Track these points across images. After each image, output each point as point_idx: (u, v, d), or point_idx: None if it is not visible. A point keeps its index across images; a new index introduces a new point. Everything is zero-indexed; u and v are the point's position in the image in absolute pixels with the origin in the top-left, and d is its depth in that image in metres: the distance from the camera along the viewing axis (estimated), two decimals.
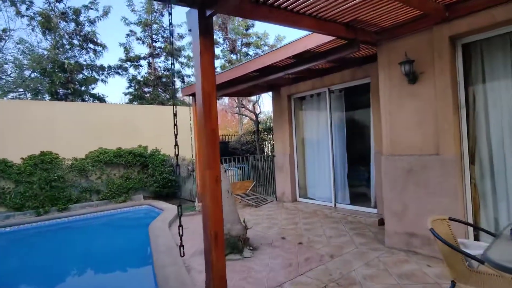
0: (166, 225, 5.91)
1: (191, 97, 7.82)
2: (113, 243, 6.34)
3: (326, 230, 5.26)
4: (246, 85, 5.96)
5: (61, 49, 13.66)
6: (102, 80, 15.40)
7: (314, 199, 7.21)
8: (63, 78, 11.96)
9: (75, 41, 13.74)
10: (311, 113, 7.36)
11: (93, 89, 16.06)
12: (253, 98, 12.18)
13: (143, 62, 17.02)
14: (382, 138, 4.28)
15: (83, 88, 14.78)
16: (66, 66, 12.37)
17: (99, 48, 14.02)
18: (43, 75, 12.17)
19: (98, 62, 15.20)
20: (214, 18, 16.21)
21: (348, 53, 4.16)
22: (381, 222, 5.39)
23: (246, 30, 17.61)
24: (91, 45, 13.59)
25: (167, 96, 16.11)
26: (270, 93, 8.45)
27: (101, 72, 15.26)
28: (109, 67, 15.17)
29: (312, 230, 5.32)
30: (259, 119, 12.14)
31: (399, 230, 4.10)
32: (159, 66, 17.09)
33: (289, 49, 4.43)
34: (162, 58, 17.00)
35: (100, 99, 15.06)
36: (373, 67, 5.51)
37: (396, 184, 4.10)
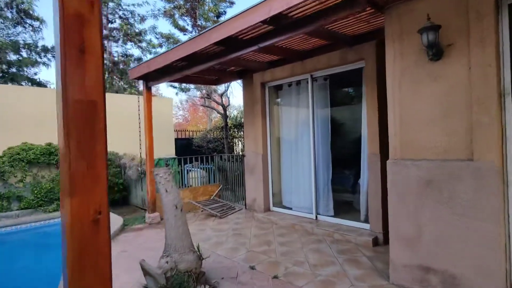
0: None
1: (141, 81, 6.40)
2: (17, 272, 4.80)
3: (309, 254, 4.15)
4: (208, 65, 4.70)
5: None
6: (44, 64, 13.34)
7: (290, 209, 6.11)
8: None
9: (8, 15, 11.62)
10: (289, 106, 6.24)
11: (35, 74, 13.94)
12: (222, 88, 10.90)
13: None
14: (390, 136, 3.23)
15: (19, 72, 12.65)
16: None
17: (36, 23, 11.99)
18: None
19: (40, 43, 13.12)
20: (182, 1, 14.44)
21: (346, 14, 3.05)
22: (376, 242, 4.39)
23: (217, 17, 16.20)
24: (28, 20, 11.54)
25: (124, 85, 14.37)
26: (241, 81, 7.25)
27: (43, 54, 13.19)
28: (52, 48, 13.11)
29: (290, 254, 4.19)
30: (229, 113, 10.87)
31: (409, 261, 3.06)
32: (116, 51, 15.25)
33: (263, 9, 3.23)
34: (120, 42, 15.16)
35: (41, 85, 13.00)
36: (369, 47, 4.47)
37: (407, 199, 3.06)
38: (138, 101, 5.88)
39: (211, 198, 7.58)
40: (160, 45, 15.40)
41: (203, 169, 8.29)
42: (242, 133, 11.54)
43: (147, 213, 6.32)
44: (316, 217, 5.55)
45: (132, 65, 15.44)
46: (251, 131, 6.92)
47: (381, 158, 4.39)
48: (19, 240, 6.26)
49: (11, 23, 11.53)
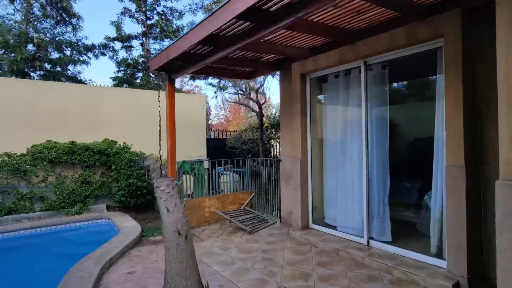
0: (99, 268, 3.86)
1: (162, 73, 5.76)
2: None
3: None
4: (234, 48, 3.83)
5: (35, 22, 11.89)
6: (84, 62, 13.58)
7: (334, 228, 5.06)
8: (27, 54, 10.15)
9: (52, 13, 11.90)
10: (336, 102, 5.19)
11: (79, 73, 14.31)
12: (258, 84, 10.03)
13: (136, 43, 15.15)
14: (502, 143, 2.08)
15: (63, 71, 12.99)
16: (34, 40, 10.56)
17: (74, 20, 12.14)
18: (6, 50, 10.40)
19: (83, 41, 13.38)
20: None
21: None
22: None
23: None
24: (66, 16, 11.70)
25: (161, 83, 14.18)
26: (279, 75, 6.32)
27: (83, 52, 13.43)
28: (92, 46, 13.30)
29: None
30: (266, 112, 9.97)
31: None
32: (154, 48, 15.17)
33: None
34: (158, 37, 15.06)
35: (80, 83, 13.24)
36: (450, 19, 3.30)
37: None
38: (159, 96, 5.23)
39: (242, 207, 6.75)
40: None
41: (236, 173, 7.51)
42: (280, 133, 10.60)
43: None
44: (368, 242, 4.43)
45: None
46: (288, 132, 5.97)
47: (468, 172, 3.18)
48: (37, 244, 5.95)
49: (52, 21, 11.79)
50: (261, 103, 8.03)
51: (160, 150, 5.25)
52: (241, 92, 8.69)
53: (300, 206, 5.39)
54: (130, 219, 6.56)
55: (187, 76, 19.00)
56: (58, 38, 13.11)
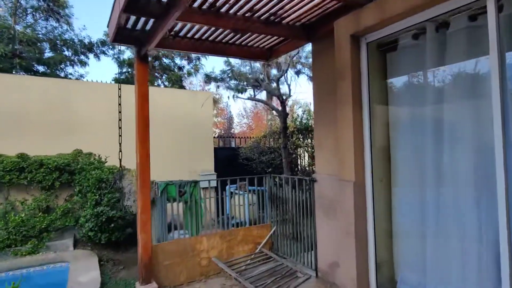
0: None
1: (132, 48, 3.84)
2: None
3: None
4: None
5: (24, 16, 10.58)
6: (82, 62, 12.14)
7: None
8: (4, 49, 8.69)
9: (34, 3, 10.50)
10: (421, 81, 3.02)
11: (82, 76, 12.91)
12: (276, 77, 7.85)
13: None
14: None
15: (53, 71, 11.58)
16: (16, 35, 9.16)
17: (63, 12, 10.67)
18: None
19: (77, 36, 11.98)
20: None
21: None
22: None
23: None
24: (52, 6, 10.25)
25: (165, 81, 12.52)
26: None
27: (81, 51, 12.01)
28: (90, 43, 11.84)
29: None
30: (292, 113, 7.85)
31: None
32: None
33: None
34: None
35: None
36: None
37: None
38: (119, 89, 3.38)
39: (258, 250, 4.64)
40: None
41: (252, 192, 5.44)
42: (310, 140, 8.41)
43: (138, 284, 3.63)
44: None
45: (179, 61, 13.59)
46: (327, 136, 3.87)
47: None
48: None
49: (42, 14, 10.42)
50: (283, 97, 5.93)
51: (120, 165, 3.31)
52: (257, 84, 6.52)
53: (355, 261, 3.21)
54: (96, 264, 4.64)
55: (200, 78, 17.34)
56: (51, 35, 11.74)
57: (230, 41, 4.32)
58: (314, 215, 4.24)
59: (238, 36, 4.15)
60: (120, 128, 3.63)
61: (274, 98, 10.53)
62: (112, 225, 4.99)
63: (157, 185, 4.30)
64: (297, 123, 8.09)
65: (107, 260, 5.13)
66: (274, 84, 6.08)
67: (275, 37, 4.25)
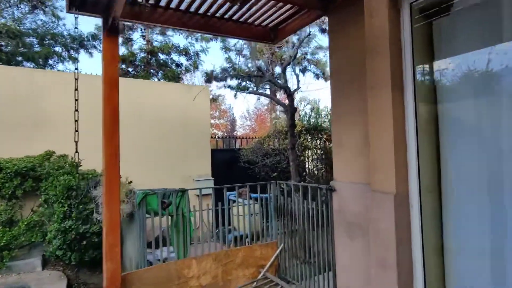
0: None
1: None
2: None
3: None
4: None
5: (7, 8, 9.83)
6: (70, 57, 11.38)
7: None
8: None
9: None
10: (485, 61, 2.15)
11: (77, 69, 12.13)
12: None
13: (136, 36, 12.85)
14: None
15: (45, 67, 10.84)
16: None
17: (49, 3, 9.91)
18: None
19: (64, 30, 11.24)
20: None
21: None
22: None
23: None
24: None
25: (161, 79, 11.74)
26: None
27: (69, 45, 11.25)
28: (80, 37, 11.08)
29: None
30: (298, 105, 7.00)
31: None
32: (156, 40, 12.81)
33: None
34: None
35: None
36: None
37: None
38: (76, 79, 2.57)
39: (261, 275, 3.78)
40: None
41: (254, 200, 4.62)
42: (319, 141, 7.54)
43: None
44: None
45: (176, 57, 12.79)
46: (350, 130, 3.04)
47: None
48: None
49: (27, 3, 9.67)
50: (291, 91, 5.06)
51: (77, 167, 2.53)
52: (260, 74, 5.53)
53: None
54: None
55: (200, 76, 16.59)
56: (41, 30, 11.01)
57: (226, 16, 3.51)
58: (332, 233, 3.40)
59: (236, 8, 3.33)
60: (76, 121, 2.82)
61: (277, 96, 9.66)
62: (85, 242, 4.15)
63: (135, 195, 3.45)
64: (305, 121, 7.25)
65: (79, 285, 4.28)
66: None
67: (281, 11, 3.43)
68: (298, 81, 5.38)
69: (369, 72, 2.56)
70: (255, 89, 17.87)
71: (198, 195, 3.77)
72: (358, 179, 3.08)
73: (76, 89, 2.83)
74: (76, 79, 2.88)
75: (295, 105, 5.00)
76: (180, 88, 6.56)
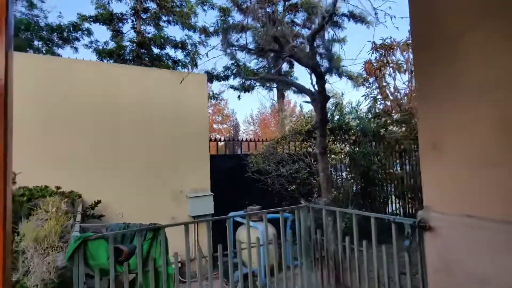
0: None
1: None
2: None
3: None
4: None
5: None
6: (48, 51, 10.02)
7: None
8: None
9: None
10: None
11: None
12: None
13: (126, 28, 11.52)
14: None
15: None
16: None
17: None
18: None
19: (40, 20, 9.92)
20: None
21: None
22: None
23: None
24: None
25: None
26: None
27: (47, 36, 9.92)
28: (59, 26, 9.73)
29: None
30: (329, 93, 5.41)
31: None
32: (148, 32, 11.45)
33: None
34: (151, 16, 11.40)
35: None
36: None
37: None
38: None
39: None
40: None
41: (266, 221, 3.11)
42: (345, 144, 6.02)
43: None
44: None
45: (172, 52, 11.47)
46: (458, 123, 1.48)
47: None
48: None
49: None
50: (321, 70, 3.49)
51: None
52: (276, 48, 3.89)
53: None
54: None
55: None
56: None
57: None
58: None
59: None
60: None
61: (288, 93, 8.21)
62: None
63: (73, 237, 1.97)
64: (334, 122, 5.75)
65: None
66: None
67: None
68: (331, 58, 3.73)
69: None
70: (259, 88, 16.32)
71: (187, 224, 2.29)
72: (483, 211, 1.61)
73: None
74: None
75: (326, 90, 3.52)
76: (170, 76, 5.15)
